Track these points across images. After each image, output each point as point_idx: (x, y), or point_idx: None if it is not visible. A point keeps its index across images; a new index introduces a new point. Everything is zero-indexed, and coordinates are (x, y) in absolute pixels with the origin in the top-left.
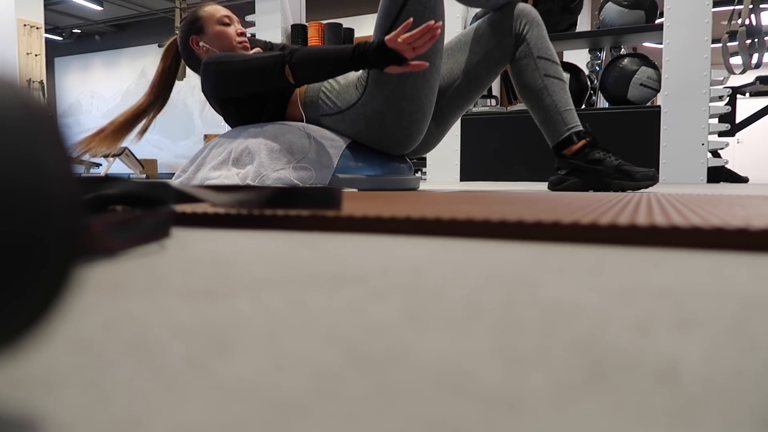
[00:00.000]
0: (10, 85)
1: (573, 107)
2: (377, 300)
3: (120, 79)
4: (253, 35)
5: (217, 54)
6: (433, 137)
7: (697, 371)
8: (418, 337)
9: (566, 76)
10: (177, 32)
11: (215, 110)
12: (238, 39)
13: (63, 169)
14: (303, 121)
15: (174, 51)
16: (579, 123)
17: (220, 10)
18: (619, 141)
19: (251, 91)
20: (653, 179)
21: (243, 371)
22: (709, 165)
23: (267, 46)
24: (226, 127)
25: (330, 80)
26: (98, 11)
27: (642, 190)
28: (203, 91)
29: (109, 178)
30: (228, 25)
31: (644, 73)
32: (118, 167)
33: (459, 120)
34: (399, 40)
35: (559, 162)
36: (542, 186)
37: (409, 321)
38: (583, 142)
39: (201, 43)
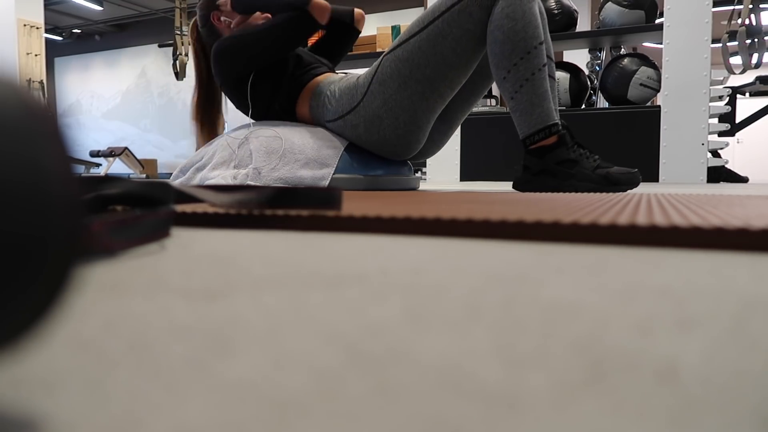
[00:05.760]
0: (10, 85)
1: (550, 98)
2: (377, 300)
3: (120, 79)
4: None
5: (228, 36)
6: (441, 134)
7: (697, 371)
8: (418, 337)
9: (565, 75)
10: (197, 10)
11: (230, 98)
12: None
13: (63, 169)
14: (311, 125)
15: (198, 31)
16: (555, 117)
17: None
18: (619, 141)
19: (276, 51)
20: (633, 182)
21: (243, 371)
22: (709, 165)
23: None
24: (227, 128)
25: (331, 87)
26: (98, 11)
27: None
28: (216, 75)
29: (109, 178)
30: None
31: (644, 73)
32: (118, 167)
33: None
34: None
35: (527, 159)
36: None
37: (409, 321)
38: (554, 138)
39: (222, 18)
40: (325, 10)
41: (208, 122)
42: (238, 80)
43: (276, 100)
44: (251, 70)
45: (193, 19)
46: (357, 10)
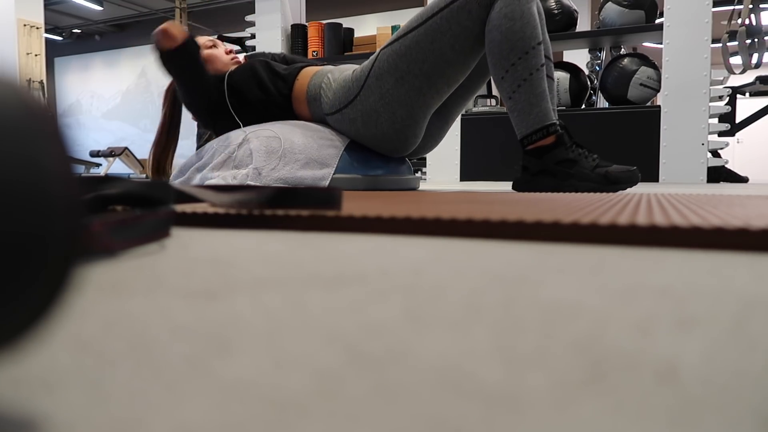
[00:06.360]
0: (10, 85)
1: (548, 98)
2: (377, 300)
3: (120, 79)
4: (253, 35)
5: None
6: (438, 129)
7: (697, 371)
8: (418, 337)
9: (565, 75)
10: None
11: (223, 130)
12: (228, 57)
13: (63, 169)
14: (311, 120)
15: (172, 92)
16: (553, 117)
17: (202, 38)
18: (619, 141)
19: (195, 84)
20: (632, 181)
21: (243, 371)
22: (709, 165)
23: (271, 57)
24: None
25: (328, 76)
26: (98, 11)
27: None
28: (204, 127)
29: (109, 178)
30: (214, 47)
31: (644, 73)
32: (118, 167)
33: (459, 120)
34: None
35: (525, 159)
36: None
37: (409, 321)
38: (552, 138)
39: None
40: (164, 35)
41: (159, 171)
42: (219, 117)
43: (271, 103)
44: (210, 105)
45: (171, 81)
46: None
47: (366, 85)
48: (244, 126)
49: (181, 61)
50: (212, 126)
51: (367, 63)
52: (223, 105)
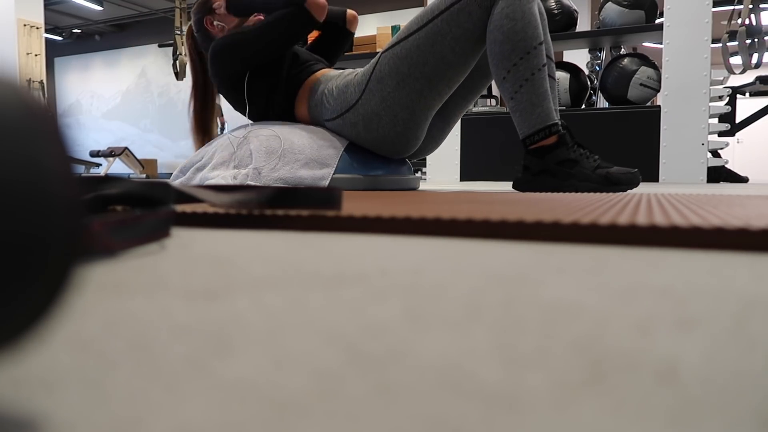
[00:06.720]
0: (10, 85)
1: (549, 98)
2: (377, 300)
3: (120, 79)
4: None
5: (226, 35)
6: (439, 130)
7: (697, 371)
8: (418, 337)
9: (565, 75)
10: (191, 16)
11: (227, 98)
12: None
13: (63, 169)
14: (309, 124)
15: (192, 36)
16: (555, 117)
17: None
18: (619, 141)
19: (275, 48)
20: (633, 183)
21: (243, 371)
22: (709, 165)
23: None
24: (227, 128)
25: (330, 82)
26: (98, 11)
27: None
28: (213, 75)
29: (109, 178)
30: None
31: (644, 73)
32: (118, 167)
33: (459, 120)
34: None
35: (527, 159)
36: None
37: (409, 321)
38: (554, 138)
39: (215, 22)
40: (322, 6)
41: (203, 129)
42: (235, 80)
43: (274, 100)
44: (248, 68)
45: (189, 25)
46: (349, 11)
47: (367, 89)
48: (247, 104)
49: (305, 32)
50: (221, 83)
51: (368, 67)
52: (242, 77)
